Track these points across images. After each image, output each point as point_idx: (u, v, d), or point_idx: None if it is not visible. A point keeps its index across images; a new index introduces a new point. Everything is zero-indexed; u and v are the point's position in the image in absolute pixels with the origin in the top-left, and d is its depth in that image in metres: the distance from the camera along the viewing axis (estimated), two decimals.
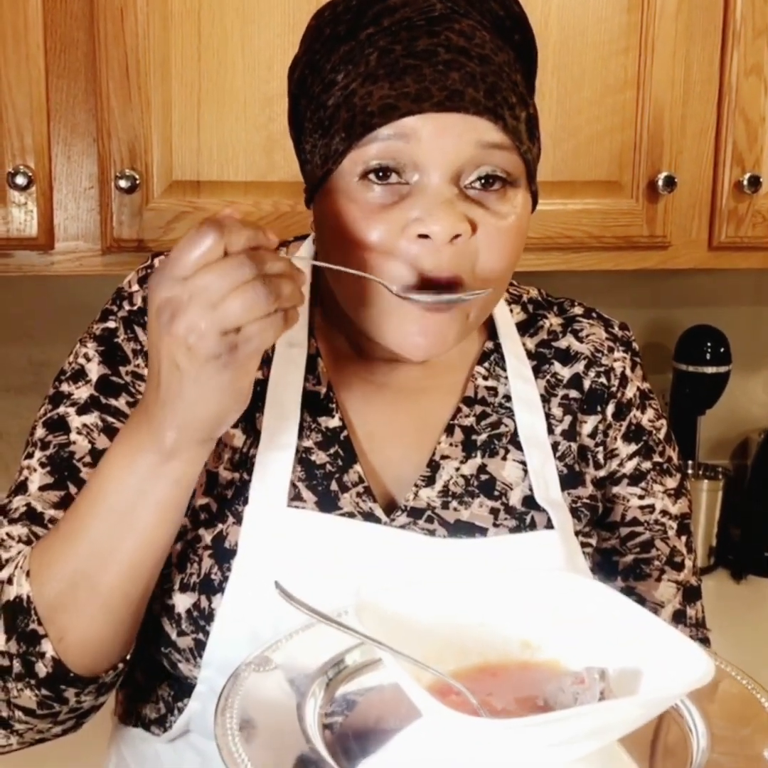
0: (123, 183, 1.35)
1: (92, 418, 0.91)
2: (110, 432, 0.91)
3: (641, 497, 1.01)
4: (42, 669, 0.83)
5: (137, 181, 1.36)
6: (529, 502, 0.94)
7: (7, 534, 0.89)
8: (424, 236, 0.81)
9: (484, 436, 0.96)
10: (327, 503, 0.91)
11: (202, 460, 0.81)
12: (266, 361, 0.93)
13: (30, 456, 0.93)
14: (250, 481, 0.90)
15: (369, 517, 0.91)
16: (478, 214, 0.83)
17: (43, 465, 0.91)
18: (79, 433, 0.91)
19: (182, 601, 0.88)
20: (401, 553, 0.89)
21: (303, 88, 0.89)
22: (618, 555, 1.02)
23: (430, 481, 0.94)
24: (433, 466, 0.94)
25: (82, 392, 0.92)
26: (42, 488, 0.90)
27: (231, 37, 1.38)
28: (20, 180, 1.31)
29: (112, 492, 0.81)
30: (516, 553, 0.91)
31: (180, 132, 1.38)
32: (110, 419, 0.92)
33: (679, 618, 1.01)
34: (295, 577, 0.79)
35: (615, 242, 1.54)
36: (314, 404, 0.93)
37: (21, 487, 0.91)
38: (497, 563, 0.90)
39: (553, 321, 1.02)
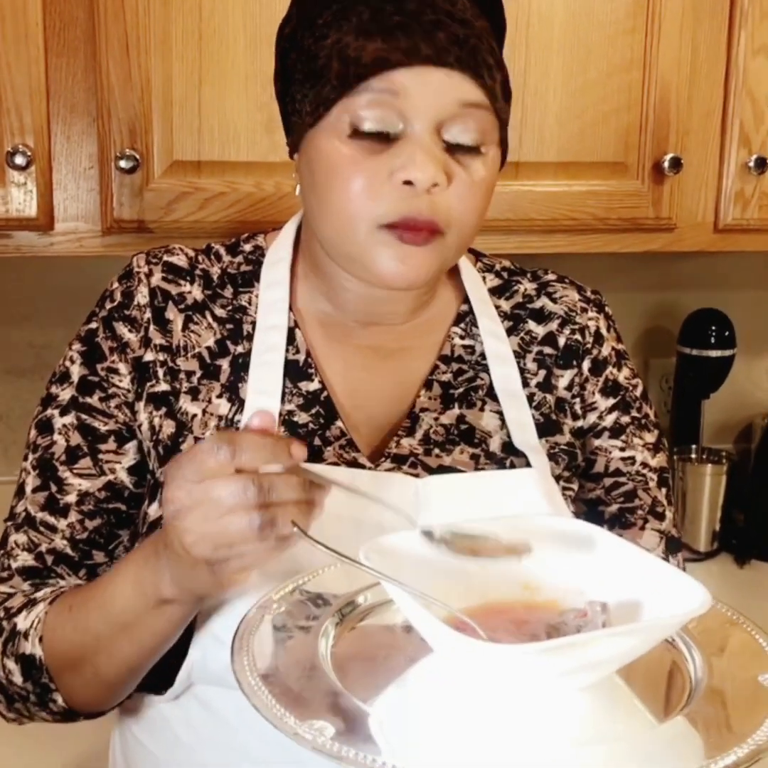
0: (123, 163, 1.33)
1: (70, 418, 0.99)
2: (83, 429, 0.98)
3: (622, 449, 1.07)
4: (55, 707, 0.95)
5: (138, 161, 1.34)
6: (508, 448, 1.00)
7: (15, 542, 0.99)
8: (408, 183, 0.89)
9: (461, 390, 1.02)
10: (311, 458, 0.92)
11: (198, 606, 0.88)
12: (247, 336, 1.00)
13: (25, 458, 1.01)
14: None
15: (354, 465, 0.96)
16: (455, 169, 0.91)
17: (34, 467, 0.99)
18: (59, 433, 0.99)
19: None
20: (388, 493, 0.92)
21: (294, 42, 0.95)
22: (603, 505, 1.07)
23: (410, 431, 0.99)
24: (413, 417, 1.00)
25: (66, 394, 1.00)
26: (34, 490, 0.99)
27: (232, 14, 1.36)
28: (19, 160, 1.29)
29: (119, 606, 0.88)
30: (497, 488, 0.97)
31: (181, 111, 1.36)
32: (84, 416, 0.99)
33: None
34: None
35: (620, 224, 1.53)
36: (294, 371, 1.00)
37: (20, 490, 1.00)
38: (480, 499, 0.94)
39: (527, 285, 1.09)
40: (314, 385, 0.99)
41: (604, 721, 0.71)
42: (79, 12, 1.33)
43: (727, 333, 1.90)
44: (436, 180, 0.89)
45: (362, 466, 0.96)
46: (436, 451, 0.99)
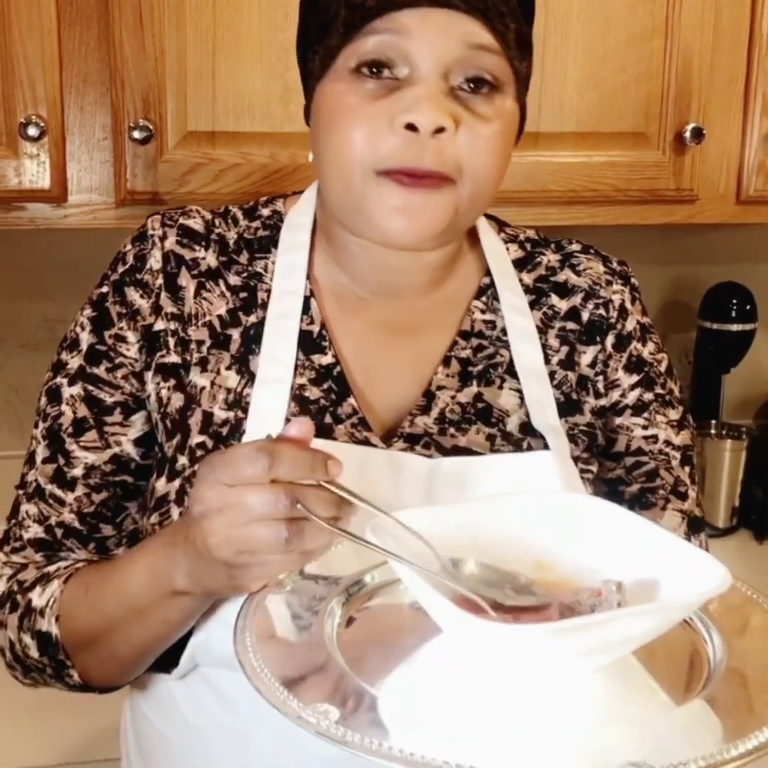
0: (137, 134, 1.32)
1: (77, 389, 0.97)
2: (90, 401, 0.97)
3: (645, 428, 1.03)
4: (71, 681, 0.96)
5: (151, 132, 1.33)
6: (526, 428, 0.97)
7: (26, 512, 0.99)
8: (411, 127, 0.85)
9: (480, 367, 0.99)
10: (321, 435, 0.92)
11: (210, 600, 0.87)
12: (262, 305, 0.98)
13: (36, 425, 1.00)
14: (244, 419, 0.93)
15: (365, 444, 0.93)
16: (464, 114, 0.87)
17: (43, 437, 0.99)
18: (67, 404, 0.98)
19: None
20: (400, 474, 0.91)
21: (310, 3, 0.93)
22: (624, 484, 1.04)
23: (425, 409, 0.96)
24: (429, 395, 0.97)
25: (75, 362, 0.98)
26: (44, 461, 0.98)
27: None
28: (32, 131, 1.28)
29: (133, 591, 0.88)
30: (512, 472, 0.94)
31: (195, 81, 1.35)
32: (90, 387, 0.97)
33: None
34: None
35: (641, 196, 1.51)
36: (308, 343, 0.97)
37: (31, 458, 0.99)
38: (495, 482, 0.92)
39: (550, 257, 1.05)
40: (327, 359, 0.96)
41: (618, 703, 0.70)
42: None
43: (748, 307, 1.88)
44: (440, 123, 0.85)
45: (374, 446, 0.94)
46: (452, 430, 0.96)
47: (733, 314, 1.87)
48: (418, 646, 0.74)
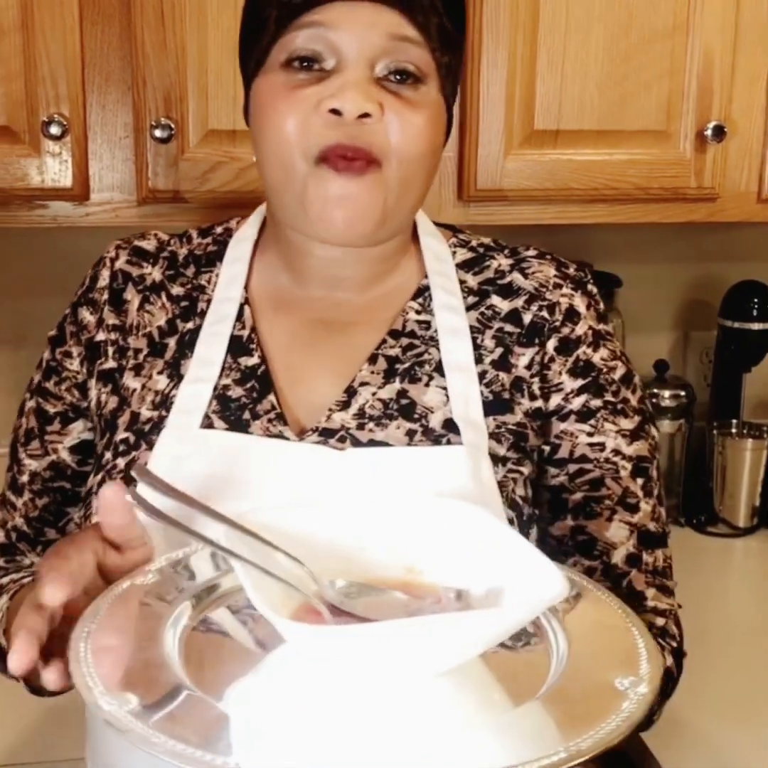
0: (158, 133, 1.33)
1: (32, 403, 1.05)
2: (38, 412, 1.04)
3: (590, 434, 1.00)
4: (22, 683, 0.94)
5: (173, 131, 1.33)
6: (449, 425, 0.96)
7: None
8: (335, 112, 0.89)
9: (407, 365, 0.99)
10: (237, 430, 0.95)
11: None
12: (200, 313, 1.01)
13: None
14: (167, 417, 0.96)
15: (278, 438, 0.95)
16: (389, 100, 0.91)
17: (10, 447, 1.07)
18: (25, 416, 1.06)
19: None
20: (307, 467, 0.92)
21: (245, 8, 0.98)
22: (567, 492, 1.01)
23: (345, 405, 0.97)
24: (350, 391, 0.98)
25: (36, 378, 1.06)
26: (7, 470, 1.06)
27: None
28: (55, 129, 1.29)
29: None
30: (421, 464, 0.94)
31: (216, 80, 1.35)
32: (41, 400, 1.04)
33: (633, 562, 0.99)
34: (198, 495, 0.79)
35: (662, 194, 1.50)
36: (237, 347, 1.00)
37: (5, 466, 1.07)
38: (403, 474, 0.93)
39: (502, 261, 1.05)
40: (253, 360, 0.99)
41: (460, 709, 0.70)
42: None
43: None
44: (364, 108, 0.89)
45: (287, 439, 0.95)
46: (370, 425, 0.96)
47: (755, 313, 1.86)
48: (263, 653, 0.73)
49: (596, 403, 1.01)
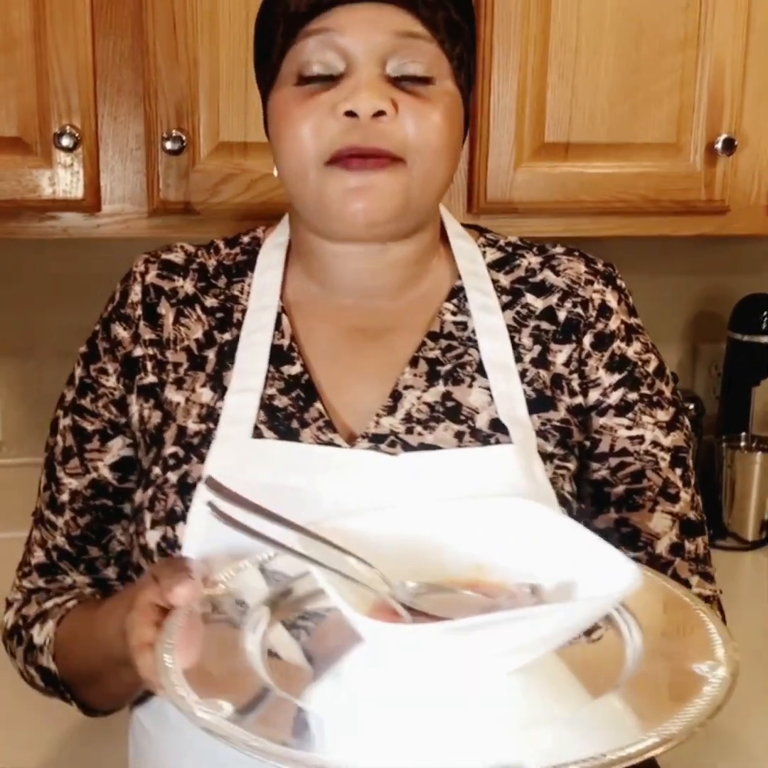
0: (170, 144, 1.33)
1: (68, 420, 1.04)
2: (75, 431, 1.04)
3: (629, 428, 1.02)
4: (75, 706, 1.03)
5: (184, 142, 1.34)
6: (496, 425, 0.97)
7: (34, 538, 1.06)
8: (351, 114, 0.90)
9: (448, 366, 1.00)
10: (288, 439, 0.96)
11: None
12: (236, 324, 1.01)
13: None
14: (215, 430, 0.96)
15: (329, 446, 0.96)
16: (403, 97, 0.91)
17: (45, 466, 1.06)
18: (60, 434, 1.05)
19: (153, 537, 0.94)
20: (361, 473, 0.93)
21: (257, 28, 0.99)
22: (609, 486, 1.03)
23: (392, 410, 0.97)
24: (396, 395, 0.98)
25: (69, 395, 1.06)
26: (44, 488, 1.06)
27: None
28: (66, 141, 1.29)
29: (118, 651, 0.86)
30: (474, 465, 0.94)
31: (227, 92, 1.35)
32: (77, 418, 1.04)
33: (676, 551, 1.01)
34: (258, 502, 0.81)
35: (672, 207, 1.50)
36: (278, 356, 1.00)
37: (39, 486, 1.07)
38: (457, 476, 0.93)
39: (531, 259, 1.06)
40: (296, 369, 0.99)
41: (536, 703, 0.70)
42: None
43: None
44: (378, 106, 0.90)
45: (338, 446, 0.95)
46: (419, 428, 0.96)
47: (764, 326, 1.86)
48: (343, 654, 0.74)
49: (633, 396, 1.03)
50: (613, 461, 1.02)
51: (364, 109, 0.89)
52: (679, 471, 1.03)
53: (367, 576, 0.73)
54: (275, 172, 0.99)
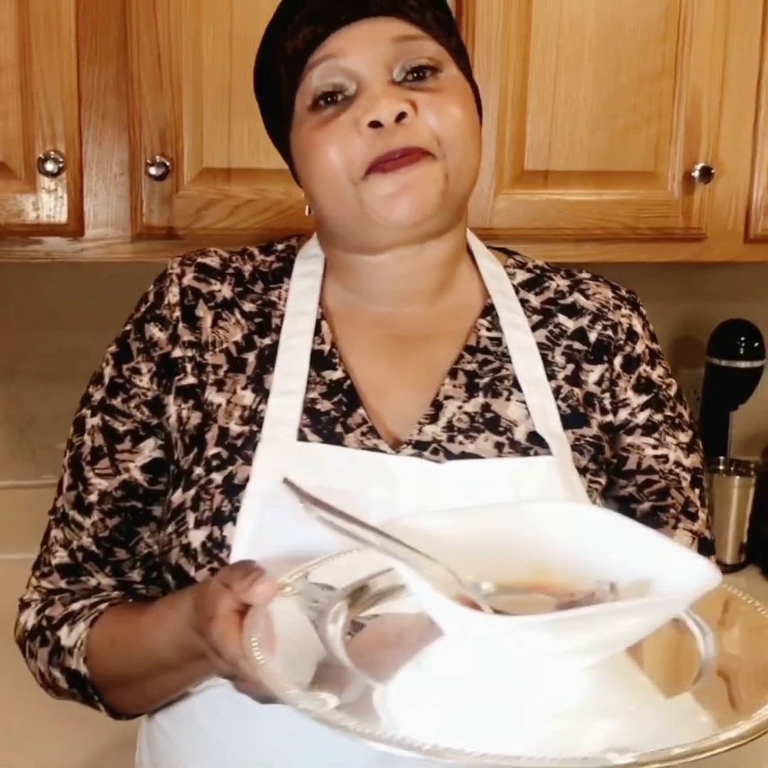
0: (154, 170, 1.34)
1: (97, 420, 1.03)
2: (106, 431, 1.03)
3: (655, 447, 1.06)
4: (100, 709, 1.03)
5: (168, 168, 1.35)
6: (533, 437, 0.99)
7: (55, 537, 1.04)
8: (375, 124, 0.93)
9: (486, 379, 1.02)
10: (332, 442, 0.97)
11: None
12: (275, 329, 1.02)
13: (64, 455, 1.06)
14: (258, 432, 0.97)
15: (374, 451, 0.97)
16: (418, 96, 0.94)
17: (69, 465, 1.04)
18: (88, 434, 1.03)
19: (197, 537, 0.94)
20: (408, 479, 0.94)
21: (259, 83, 1.04)
22: (636, 502, 1.06)
23: (434, 418, 0.99)
24: (437, 405, 1.00)
25: (98, 395, 1.04)
26: (68, 488, 1.04)
27: (263, 22, 1.36)
28: (51, 166, 1.30)
29: (163, 654, 0.91)
30: (516, 475, 0.96)
31: (211, 119, 1.37)
32: (108, 418, 1.03)
33: None
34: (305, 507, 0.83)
35: (650, 234, 1.52)
36: (319, 361, 1.01)
37: (60, 485, 1.05)
38: (499, 485, 0.95)
39: (560, 282, 1.09)
40: (338, 374, 1.00)
41: (611, 696, 0.71)
42: (112, 20, 1.34)
43: (756, 344, 1.88)
44: (400, 110, 0.93)
45: (383, 452, 0.97)
46: (460, 438, 0.98)
47: (742, 351, 1.88)
48: (421, 648, 0.75)
49: (658, 417, 1.06)
50: (640, 478, 1.05)
51: (386, 115, 0.92)
52: (697, 491, 1.07)
53: (443, 576, 0.74)
54: (307, 211, 1.03)
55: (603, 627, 0.68)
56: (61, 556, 1.03)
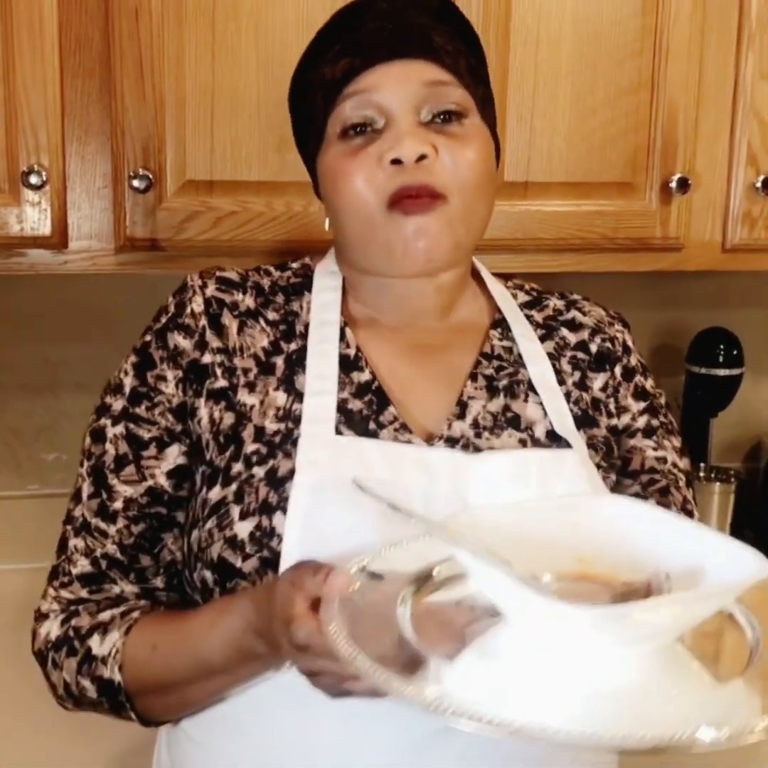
0: (137, 183, 1.35)
1: (119, 429, 1.05)
2: (130, 438, 1.04)
3: (655, 449, 1.13)
4: (129, 717, 1.02)
5: (151, 181, 1.36)
6: (552, 435, 1.06)
7: (75, 547, 1.05)
8: (396, 162, 0.99)
9: (504, 382, 1.09)
10: (368, 438, 1.01)
11: None
12: (300, 335, 1.07)
13: (81, 464, 1.07)
14: (295, 428, 1.01)
15: (410, 445, 1.02)
16: (440, 140, 1.01)
17: (88, 474, 1.06)
18: (110, 442, 1.05)
19: (244, 528, 0.97)
20: (444, 470, 0.99)
21: (295, 101, 1.10)
22: (642, 500, 1.10)
23: (460, 416, 1.05)
24: (462, 404, 1.06)
25: (118, 404, 1.06)
26: (89, 497, 1.05)
27: (245, 35, 1.38)
28: (34, 179, 1.31)
29: (216, 661, 0.94)
30: (544, 466, 1.02)
31: (193, 131, 1.38)
32: (132, 426, 1.05)
33: None
34: (350, 499, 0.89)
35: (628, 244, 1.54)
36: (346, 364, 1.06)
37: (77, 495, 1.06)
38: (528, 476, 1.01)
39: (556, 302, 1.17)
40: (366, 376, 1.05)
41: (670, 680, 0.73)
42: (95, 33, 1.35)
43: (735, 352, 1.90)
44: (421, 151, 0.99)
45: (418, 446, 1.02)
46: (486, 434, 1.04)
47: (721, 359, 1.90)
48: (483, 634, 0.77)
49: (655, 422, 1.14)
50: (644, 477, 1.11)
51: (408, 154, 0.98)
52: (690, 492, 1.14)
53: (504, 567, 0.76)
54: (327, 226, 1.08)
55: (668, 616, 0.70)
56: (82, 565, 1.04)
